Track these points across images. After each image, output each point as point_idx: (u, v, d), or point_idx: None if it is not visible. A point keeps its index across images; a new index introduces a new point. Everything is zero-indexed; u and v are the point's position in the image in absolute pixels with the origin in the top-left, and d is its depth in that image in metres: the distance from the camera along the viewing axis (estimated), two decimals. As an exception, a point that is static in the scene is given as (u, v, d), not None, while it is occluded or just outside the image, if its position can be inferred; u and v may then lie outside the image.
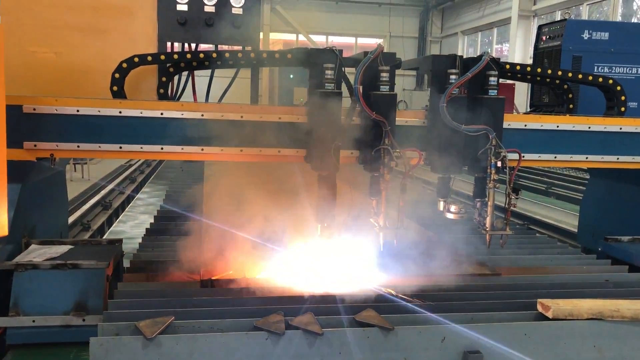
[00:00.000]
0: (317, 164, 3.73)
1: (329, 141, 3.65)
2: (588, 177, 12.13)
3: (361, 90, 3.70)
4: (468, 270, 4.32)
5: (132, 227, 7.12)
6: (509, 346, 3.25)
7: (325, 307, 3.44)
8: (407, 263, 4.24)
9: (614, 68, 4.87)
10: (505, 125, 4.00)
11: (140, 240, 5.17)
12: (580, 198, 10.25)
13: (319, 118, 3.68)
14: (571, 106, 4.52)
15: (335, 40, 24.12)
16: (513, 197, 3.82)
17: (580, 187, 11.39)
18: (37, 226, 4.06)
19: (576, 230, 7.35)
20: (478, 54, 4.42)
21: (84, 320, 3.34)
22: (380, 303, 3.55)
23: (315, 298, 3.59)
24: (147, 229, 5.52)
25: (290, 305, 3.41)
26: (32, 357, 3.30)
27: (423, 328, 3.22)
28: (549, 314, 3.42)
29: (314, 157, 3.75)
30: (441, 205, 4.15)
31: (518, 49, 19.73)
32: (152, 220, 5.96)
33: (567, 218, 8.35)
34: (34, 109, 3.54)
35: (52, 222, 4.42)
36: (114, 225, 7.64)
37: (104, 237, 7.06)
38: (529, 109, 5.31)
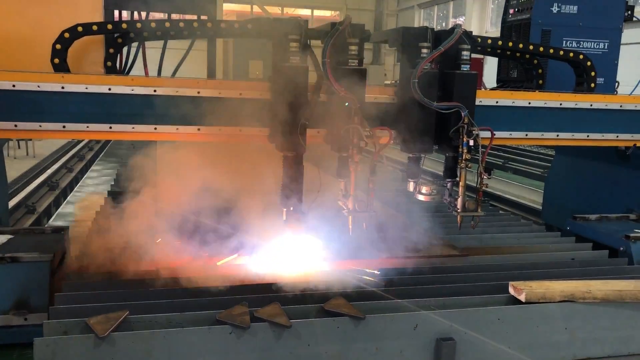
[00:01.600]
0: (281, 144, 3.49)
1: (295, 119, 3.42)
2: (544, 151, 12.42)
3: (329, 65, 3.46)
4: (436, 252, 4.21)
5: (81, 209, 6.72)
6: (482, 332, 3.17)
7: (292, 295, 3.27)
8: (374, 246, 4.09)
9: (582, 43, 4.77)
10: (476, 101, 3.85)
11: (90, 224, 4.83)
12: (538, 173, 10.49)
13: (283, 94, 3.43)
14: (541, 82, 4.41)
15: (290, 13, 23.59)
16: (485, 177, 3.69)
17: (537, 161, 11.55)
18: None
19: (536, 206, 7.41)
20: (434, 27, 4.20)
21: (25, 319, 3.04)
22: (349, 289, 3.39)
23: (281, 286, 3.40)
24: (97, 212, 5.17)
25: (255, 295, 3.22)
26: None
27: (395, 316, 3.10)
28: (522, 298, 3.35)
29: (278, 137, 3.51)
30: (411, 186, 3.99)
31: (474, 22, 19.75)
32: (102, 203, 5.61)
33: (526, 193, 8.39)
34: (-36, 84, 3.16)
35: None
36: (61, 206, 7.21)
37: (51, 219, 6.63)
38: (496, 85, 5.18)
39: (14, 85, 3.24)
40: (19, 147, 13.00)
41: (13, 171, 9.82)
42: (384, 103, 3.88)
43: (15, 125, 3.28)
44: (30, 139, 12.81)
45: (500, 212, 6.12)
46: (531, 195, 8.21)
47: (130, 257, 3.92)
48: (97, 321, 2.73)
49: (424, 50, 3.70)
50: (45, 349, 2.58)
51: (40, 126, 3.33)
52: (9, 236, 3.48)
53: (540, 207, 6.55)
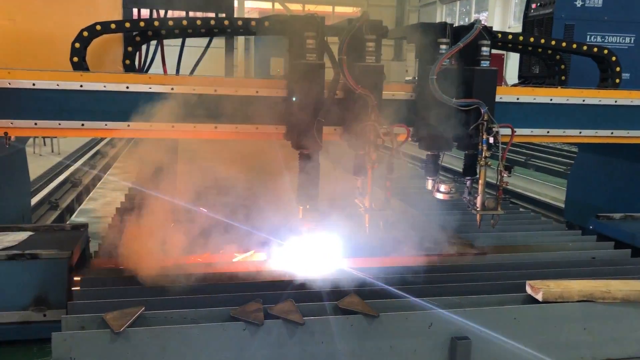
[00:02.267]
0: (297, 142, 3.49)
1: (311, 117, 3.41)
2: (567, 148, 12.21)
3: (345, 62, 3.44)
4: (453, 250, 4.17)
5: (103, 205, 6.83)
6: (498, 331, 3.13)
7: (306, 292, 3.28)
8: (390, 244, 4.07)
9: (607, 37, 4.66)
10: (496, 98, 3.80)
11: (110, 220, 4.90)
12: (561, 170, 10.32)
13: (299, 92, 3.43)
14: (563, 78, 4.32)
15: (311, 9, 23.57)
16: (505, 175, 3.64)
17: (560, 158, 11.37)
18: (-5, 210, 3.76)
19: (558, 203, 7.30)
20: (457, 23, 4.15)
21: (44, 315, 3.08)
22: (364, 287, 3.38)
23: (296, 283, 3.41)
24: (117, 208, 5.24)
25: (269, 292, 3.23)
26: (-15, 358, 3.04)
27: (409, 314, 3.07)
28: (539, 297, 3.30)
29: (295, 134, 3.51)
30: (430, 184, 3.96)
31: (497, 18, 19.50)
32: (123, 199, 5.69)
33: (548, 190, 8.27)
34: (-15, 83, 3.22)
35: (11, 205, 4.10)
36: (83, 203, 7.32)
37: (73, 216, 6.74)
38: (517, 81, 5.10)
39: (34, 84, 3.29)
40: (45, 145, 13.23)
41: (38, 168, 10.01)
42: (402, 100, 3.85)
43: (35, 124, 3.33)
44: (56, 137, 13.05)
45: (520, 209, 6.04)
46: (553, 193, 8.10)
47: (148, 253, 3.97)
48: (113, 317, 2.76)
49: (443, 46, 3.66)
50: (62, 343, 2.62)
51: (59, 124, 3.37)
52: (30, 233, 3.53)
53: (563, 205, 6.45)
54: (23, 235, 3.44)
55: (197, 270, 3.61)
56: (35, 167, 10.20)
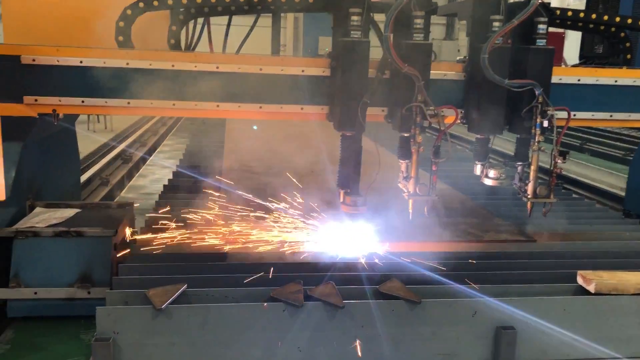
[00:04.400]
0: (340, 123, 3.42)
1: (354, 97, 3.33)
2: (626, 132, 11.64)
3: (392, 39, 3.34)
4: (501, 237, 4.04)
5: (152, 182, 6.96)
6: (545, 322, 3.01)
7: (347, 275, 3.23)
8: (436, 229, 3.97)
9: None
10: (555, 79, 3.62)
11: (157, 197, 4.98)
12: (619, 155, 9.86)
13: (343, 71, 3.35)
14: (629, 56, 4.07)
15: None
16: (559, 161, 3.48)
17: (619, 143, 10.87)
18: (45, 187, 3.84)
19: (615, 191, 6.99)
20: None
21: (89, 292, 3.14)
22: (406, 272, 3.31)
23: (337, 266, 3.37)
24: (164, 185, 5.33)
25: (309, 273, 3.20)
26: (35, 332, 3.13)
27: (453, 301, 3.00)
28: (591, 288, 3.15)
29: (337, 115, 3.44)
30: (478, 169, 3.83)
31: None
32: (170, 176, 5.78)
33: (605, 177, 7.92)
34: (33, 60, 3.27)
35: (61, 182, 4.20)
36: (133, 179, 7.49)
37: (122, 191, 6.90)
38: (578, 61, 4.85)
39: (81, 62, 3.33)
40: (98, 122, 13.64)
41: (92, 144, 10.32)
42: (451, 80, 3.72)
43: (83, 101, 3.37)
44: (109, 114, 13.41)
45: (574, 195, 5.80)
46: (610, 180, 7.75)
47: (193, 231, 4.01)
48: (156, 293, 2.80)
49: (496, 24, 3.49)
50: (106, 317, 2.67)
51: (106, 102, 3.41)
52: (77, 210, 3.60)
53: (621, 193, 6.15)
54: (70, 213, 3.52)
55: (240, 250, 3.63)
56: (89, 144, 10.53)
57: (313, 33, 20.55)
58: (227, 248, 3.58)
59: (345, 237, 3.67)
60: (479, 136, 3.78)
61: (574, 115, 3.81)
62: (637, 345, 3.12)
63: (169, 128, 12.61)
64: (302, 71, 3.65)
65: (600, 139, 11.31)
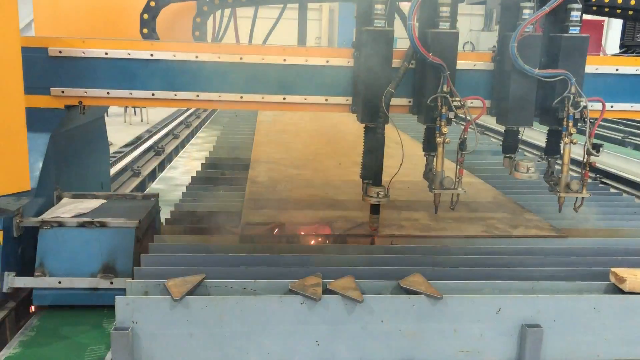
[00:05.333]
0: (364, 115, 3.36)
1: (377, 88, 3.27)
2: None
3: (416, 29, 3.25)
4: (530, 232, 3.92)
5: (183, 174, 7.04)
6: (574, 321, 2.90)
7: (368, 269, 3.18)
8: (461, 223, 3.89)
9: None
10: (592, 69, 3.48)
11: (184, 189, 5.03)
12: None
13: (366, 61, 3.29)
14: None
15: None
16: (593, 154, 3.34)
17: (663, 137, 10.47)
18: (74, 178, 3.91)
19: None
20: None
21: (111, 282, 3.17)
22: (429, 267, 3.24)
23: (358, 258, 3.32)
24: (192, 177, 5.37)
25: (330, 266, 3.16)
26: (59, 320, 3.18)
27: (476, 298, 2.91)
28: (624, 287, 3.02)
29: (361, 107, 3.38)
30: (507, 162, 3.72)
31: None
32: (199, 168, 5.82)
33: (647, 172, 7.62)
34: (60, 52, 3.32)
35: (90, 173, 4.27)
36: (164, 171, 7.59)
37: (154, 183, 7.00)
38: (619, 51, 4.66)
39: (106, 53, 3.37)
40: (135, 114, 13.90)
41: (127, 136, 10.52)
42: (478, 70, 3.61)
43: (108, 93, 3.41)
44: (145, 107, 13.64)
45: (612, 190, 5.60)
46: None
47: (217, 222, 4.03)
48: (174, 284, 2.80)
49: (527, 11, 3.36)
50: (125, 307, 2.69)
51: (130, 94, 3.44)
52: (103, 201, 3.65)
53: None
54: (96, 203, 3.57)
55: (261, 242, 3.62)
56: (125, 136, 10.74)
57: (349, 24, 20.44)
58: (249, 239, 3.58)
59: (366, 230, 3.63)
60: (507, 128, 3.66)
61: (611, 106, 3.66)
62: (671, 347, 2.98)
63: (202, 120, 12.74)
64: (327, 62, 3.60)
65: (644, 133, 10.91)
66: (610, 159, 8.37)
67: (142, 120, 13.53)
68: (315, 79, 3.60)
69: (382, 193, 3.41)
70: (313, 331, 2.80)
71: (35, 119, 3.26)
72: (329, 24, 22.47)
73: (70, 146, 3.85)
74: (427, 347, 2.87)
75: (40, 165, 3.40)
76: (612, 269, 3.13)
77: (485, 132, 10.67)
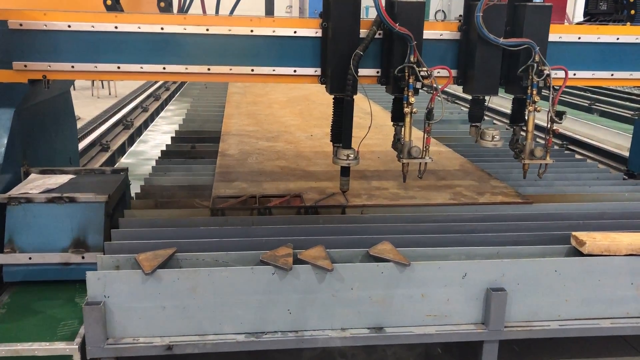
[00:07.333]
0: (332, 86, 3.37)
1: (346, 59, 3.28)
2: (637, 92, 11.42)
3: (382, -2, 3.26)
4: (496, 199, 4.01)
5: (153, 148, 6.97)
6: (536, 284, 3.01)
7: (339, 238, 3.23)
8: (428, 191, 3.96)
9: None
10: (555, 37, 3.53)
11: (154, 163, 5.00)
12: (628, 115, 9.70)
13: (333, 30, 3.28)
14: (632, 12, 3.94)
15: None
16: (556, 121, 3.42)
17: (628, 103, 10.69)
18: (42, 153, 3.84)
19: (622, 152, 6.89)
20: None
21: (83, 257, 3.17)
22: (397, 235, 3.31)
23: (329, 228, 3.37)
24: (162, 151, 5.33)
25: (301, 237, 3.21)
26: (31, 295, 3.17)
27: (442, 263, 2.99)
28: (584, 250, 3.14)
29: (330, 78, 3.39)
30: (473, 131, 3.78)
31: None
32: (169, 142, 5.78)
33: (612, 137, 7.80)
34: (21, 25, 3.23)
35: (58, 148, 4.20)
36: (134, 145, 7.50)
37: (123, 157, 6.92)
38: (583, 19, 4.72)
39: (69, 26, 3.29)
40: (102, 87, 13.62)
41: (95, 110, 10.32)
42: (444, 40, 3.64)
43: (72, 67, 3.34)
44: (113, 80, 13.36)
45: (577, 157, 5.74)
46: (618, 140, 7.65)
47: (187, 195, 4.03)
48: (146, 258, 2.82)
49: (491, -20, 3.40)
50: (96, 282, 2.70)
51: (95, 67, 3.38)
52: (72, 176, 3.61)
53: (627, 154, 6.06)
54: (65, 178, 3.52)
55: (234, 214, 3.64)
56: (93, 109, 10.54)
57: (318, -6, 20.14)
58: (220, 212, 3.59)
59: (337, 198, 3.67)
60: (473, 97, 3.72)
61: (574, 74, 3.73)
62: (628, 306, 3.12)
63: (172, 93, 12.55)
64: (295, 32, 3.58)
65: (610, 99, 11.12)
66: (577, 126, 8.55)
67: (110, 94, 13.28)
68: (284, 49, 3.58)
69: (352, 155, 3.46)
70: (285, 300, 2.86)
71: (-1, 94, 3.20)
72: (300, -7, 22.13)
73: (36, 121, 3.77)
74: (396, 313, 2.95)
75: (5, 141, 3.34)
76: (573, 233, 3.25)
77: (456, 100, 10.75)
